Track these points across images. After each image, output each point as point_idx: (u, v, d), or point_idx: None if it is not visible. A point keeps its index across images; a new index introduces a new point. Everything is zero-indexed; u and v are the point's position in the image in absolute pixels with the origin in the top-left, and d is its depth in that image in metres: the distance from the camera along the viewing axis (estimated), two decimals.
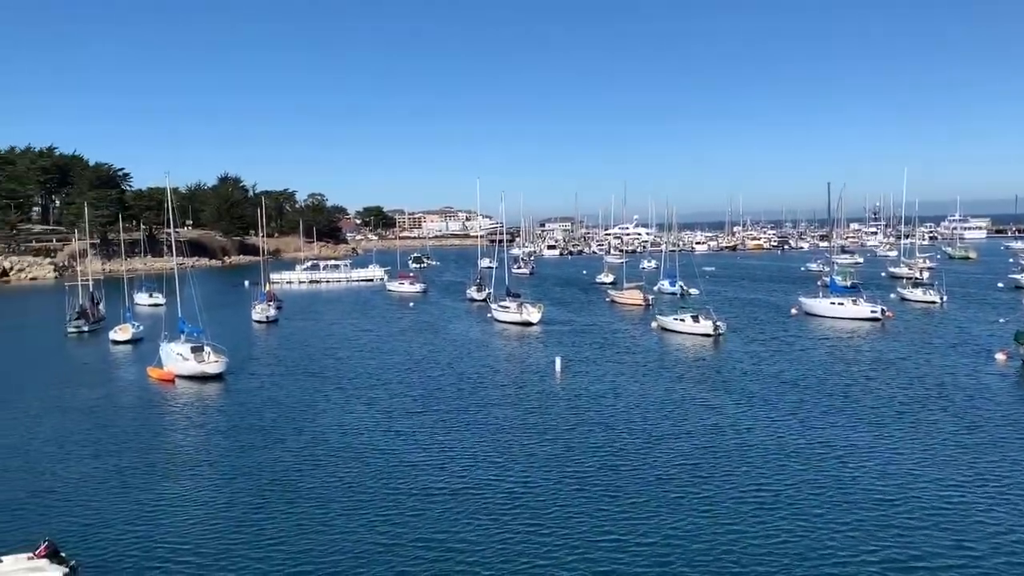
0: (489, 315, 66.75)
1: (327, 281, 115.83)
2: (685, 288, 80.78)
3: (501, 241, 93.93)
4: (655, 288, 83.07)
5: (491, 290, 75.74)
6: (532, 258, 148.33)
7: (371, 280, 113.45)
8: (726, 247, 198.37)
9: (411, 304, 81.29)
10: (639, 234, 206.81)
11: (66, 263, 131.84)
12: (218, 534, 20.67)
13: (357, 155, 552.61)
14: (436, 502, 22.56)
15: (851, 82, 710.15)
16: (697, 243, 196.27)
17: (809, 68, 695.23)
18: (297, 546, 19.71)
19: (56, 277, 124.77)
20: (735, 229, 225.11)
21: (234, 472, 26.01)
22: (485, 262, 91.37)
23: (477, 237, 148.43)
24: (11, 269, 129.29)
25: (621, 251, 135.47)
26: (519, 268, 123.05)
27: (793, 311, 65.52)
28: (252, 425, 32.16)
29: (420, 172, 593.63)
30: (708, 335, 52.79)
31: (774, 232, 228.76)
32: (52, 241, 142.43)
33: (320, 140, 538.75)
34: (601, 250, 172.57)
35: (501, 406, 34.50)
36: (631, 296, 75.79)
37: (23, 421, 33.70)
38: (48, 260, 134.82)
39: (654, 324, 58.64)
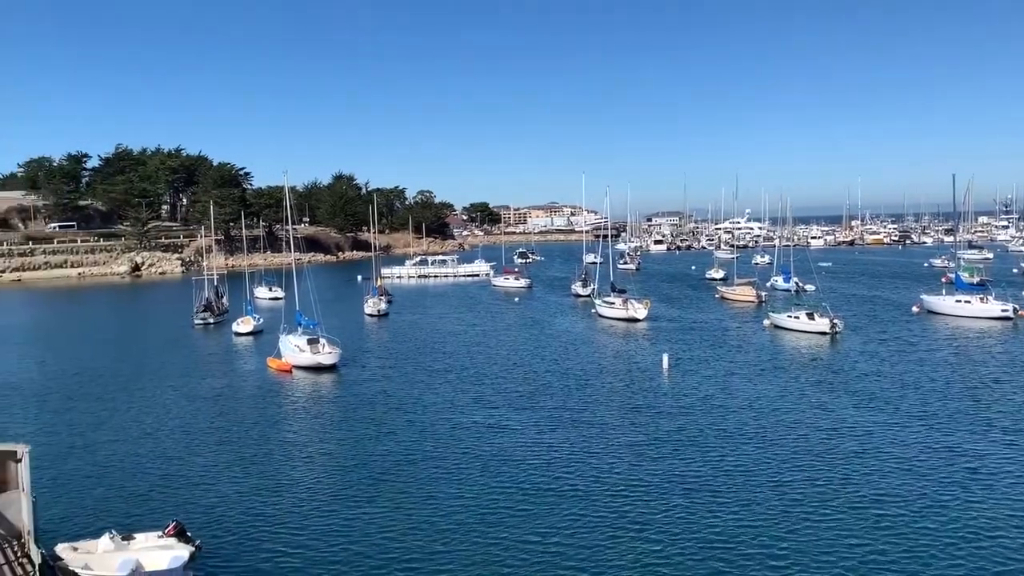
0: (593, 311, 66.41)
1: (435, 276, 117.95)
2: (800, 284, 78.04)
3: (606, 236, 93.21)
4: (767, 284, 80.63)
5: (596, 286, 75.35)
6: (639, 253, 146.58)
7: (477, 275, 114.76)
8: (843, 242, 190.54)
9: (516, 299, 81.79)
10: (751, 228, 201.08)
11: (192, 258, 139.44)
12: (331, 521, 21.33)
13: (465, 152, 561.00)
14: (541, 500, 22.54)
15: (982, 66, 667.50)
16: (813, 238, 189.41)
17: (937, 49, 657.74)
18: (405, 537, 20.10)
19: (183, 271, 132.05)
20: (853, 223, 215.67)
21: (347, 461, 26.80)
22: (590, 257, 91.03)
23: (582, 232, 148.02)
24: (143, 264, 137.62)
25: (732, 246, 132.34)
26: (625, 263, 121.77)
27: (915, 309, 62.28)
28: (364, 416, 33.05)
29: (526, 168, 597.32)
30: (824, 333, 50.80)
31: (895, 226, 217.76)
32: (180, 237, 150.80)
33: (430, 137, 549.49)
34: (711, 245, 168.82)
35: (607, 404, 34.20)
36: (742, 292, 73.82)
37: (155, 408, 35.77)
38: (176, 255, 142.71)
39: (766, 322, 56.88)
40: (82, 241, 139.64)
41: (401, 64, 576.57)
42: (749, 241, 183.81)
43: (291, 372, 43.54)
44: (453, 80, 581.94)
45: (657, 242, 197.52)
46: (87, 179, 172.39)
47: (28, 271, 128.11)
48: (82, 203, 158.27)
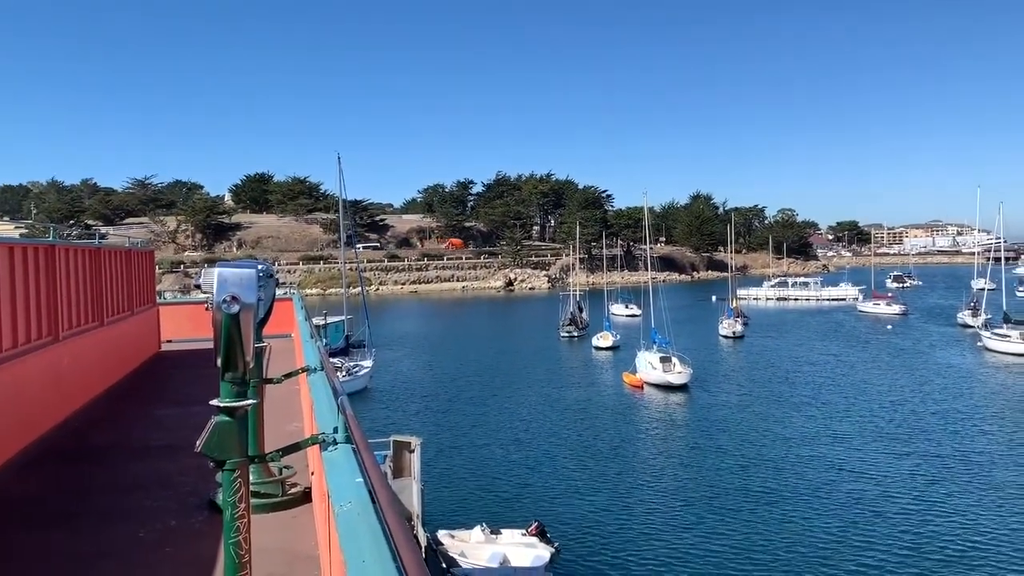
0: (979, 344, 58.29)
1: (795, 299, 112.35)
2: None
3: (999, 259, 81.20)
4: None
5: (987, 315, 65.97)
6: None
7: (843, 299, 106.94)
8: None
9: (888, 327, 74.69)
10: None
11: (557, 275, 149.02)
12: (673, 544, 21.39)
13: (833, 167, 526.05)
14: (904, 547, 20.35)
15: None
16: None
17: None
18: (742, 558, 19.47)
19: (549, 287, 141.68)
20: None
21: (692, 489, 26.63)
22: (980, 283, 79.90)
23: (972, 254, 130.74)
24: (515, 280, 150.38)
25: None
26: None
27: None
28: (711, 443, 32.58)
29: (904, 182, 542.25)
30: None
31: None
32: (547, 256, 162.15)
33: (795, 153, 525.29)
34: None
35: (1006, 455, 29.77)
36: None
37: (523, 413, 38.87)
38: (543, 272, 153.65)
39: None
40: (466, 259, 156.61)
41: (765, 75, 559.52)
42: None
43: (642, 388, 44.49)
44: (816, 90, 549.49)
45: None
46: (472, 203, 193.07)
47: (422, 284, 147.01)
48: (467, 224, 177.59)
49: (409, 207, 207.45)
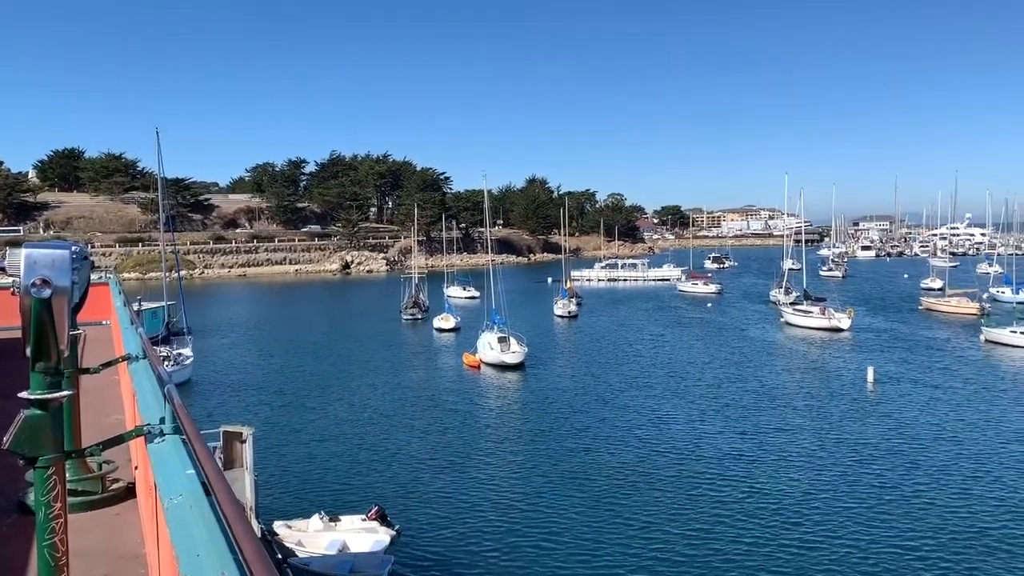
0: (782, 319, 63.71)
1: (624, 280, 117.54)
2: None
3: (800, 241, 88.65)
4: (985, 295, 73.11)
5: (797, 293, 72.08)
6: (844, 260, 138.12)
7: (667, 280, 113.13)
8: None
9: (708, 305, 79.82)
10: (971, 235, 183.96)
11: (396, 258, 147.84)
12: (518, 512, 21.97)
13: (657, 155, 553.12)
14: (729, 509, 21.96)
15: None
16: None
17: None
18: (586, 530, 20.34)
19: (387, 270, 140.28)
20: None
21: (526, 459, 27.42)
22: (789, 263, 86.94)
23: (781, 237, 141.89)
24: (352, 263, 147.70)
25: (952, 254, 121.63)
26: (829, 270, 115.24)
27: None
28: (543, 419, 33.62)
29: (721, 169, 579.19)
30: None
31: None
32: (385, 238, 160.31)
33: (622, 140, 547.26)
34: (925, 252, 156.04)
35: (804, 417, 32.67)
36: (958, 304, 67.68)
37: (363, 399, 38.37)
38: (381, 255, 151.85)
39: (982, 337, 51.84)
40: (299, 240, 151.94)
41: (595, 68, 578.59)
42: (969, 248, 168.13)
43: (479, 368, 45.19)
44: (646, 82, 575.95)
45: (864, 248, 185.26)
46: (304, 183, 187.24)
47: (252, 267, 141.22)
48: (300, 205, 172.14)
49: (237, 186, 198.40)
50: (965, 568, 18.23)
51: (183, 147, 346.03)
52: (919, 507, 22.09)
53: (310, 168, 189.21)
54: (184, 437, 3.97)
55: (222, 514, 2.70)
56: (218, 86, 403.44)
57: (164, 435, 4.07)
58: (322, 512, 19.67)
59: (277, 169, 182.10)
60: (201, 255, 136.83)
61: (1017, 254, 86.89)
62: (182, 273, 59.45)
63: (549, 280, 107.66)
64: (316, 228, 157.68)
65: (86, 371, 6.45)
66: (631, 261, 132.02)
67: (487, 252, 63.29)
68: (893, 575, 17.96)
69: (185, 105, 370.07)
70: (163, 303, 50.30)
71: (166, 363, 39.29)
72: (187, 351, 42.83)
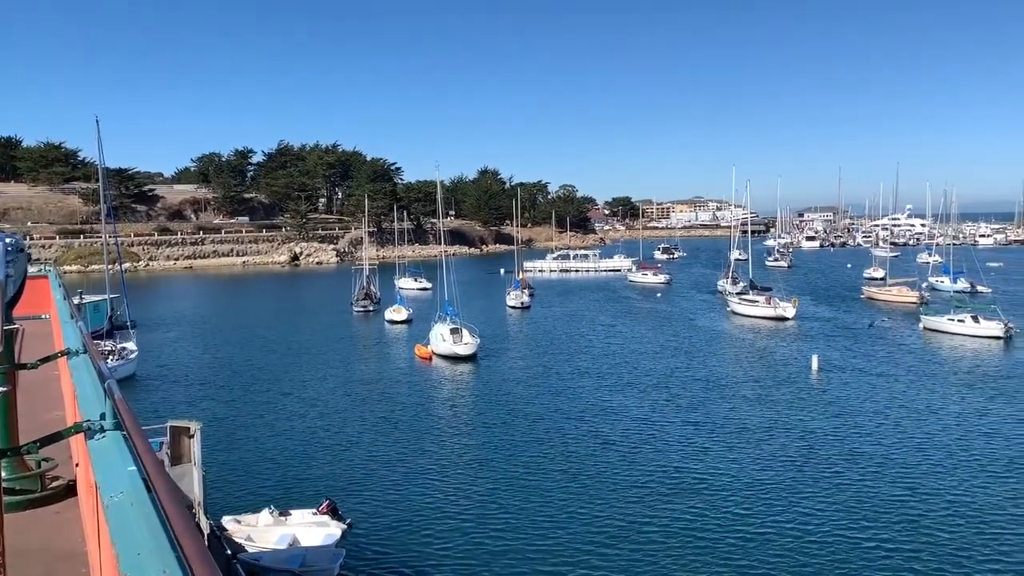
0: (728, 309, 64.82)
1: (576, 270, 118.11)
2: (974, 285, 72.31)
3: (747, 232, 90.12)
4: (924, 284, 75.33)
5: (744, 283, 73.37)
6: (790, 250, 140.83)
7: (619, 270, 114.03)
8: (1016, 241, 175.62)
9: (658, 295, 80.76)
10: (912, 225, 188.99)
11: (346, 249, 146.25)
12: (470, 502, 22.01)
13: (609, 146, 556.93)
14: (681, 498, 22.31)
15: None
16: (981, 236, 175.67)
17: None
18: (538, 521, 20.48)
19: (338, 262, 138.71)
20: None
21: (477, 451, 27.48)
22: (736, 254, 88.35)
23: (729, 228, 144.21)
24: (301, 254, 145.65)
25: (893, 244, 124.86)
26: (775, 260, 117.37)
27: None
28: (494, 411, 33.69)
29: (671, 162, 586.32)
30: (996, 338, 47.23)
31: None
32: (335, 229, 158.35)
33: (574, 132, 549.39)
34: (867, 242, 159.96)
35: (753, 402, 33.34)
36: (899, 293, 69.65)
37: (314, 393, 37.95)
38: (331, 246, 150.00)
39: (921, 325, 53.42)
40: (247, 232, 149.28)
41: (545, 60, 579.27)
42: (910, 239, 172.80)
43: (431, 359, 45.03)
44: (597, 74, 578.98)
45: (809, 239, 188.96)
46: (252, 173, 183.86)
47: (198, 259, 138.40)
48: (247, 196, 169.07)
49: (182, 176, 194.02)
50: (908, 550, 18.81)
51: (126, 137, 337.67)
52: (864, 493, 22.70)
53: (258, 158, 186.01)
54: (125, 433, 3.88)
55: (163, 512, 2.66)
56: (162, 75, 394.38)
57: (105, 431, 3.97)
58: (272, 506, 19.44)
59: (224, 159, 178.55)
60: (146, 247, 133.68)
61: (955, 244, 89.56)
62: (126, 266, 57.90)
63: (501, 271, 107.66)
64: (244, 220, 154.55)
65: (23, 367, 6.26)
66: (583, 252, 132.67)
67: (439, 243, 62.93)
68: (840, 560, 18.45)
69: (128, 94, 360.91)
70: (106, 296, 49.02)
71: (110, 358, 38.40)
72: (131, 345, 41.89)
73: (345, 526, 18.76)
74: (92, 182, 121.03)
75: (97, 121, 45.86)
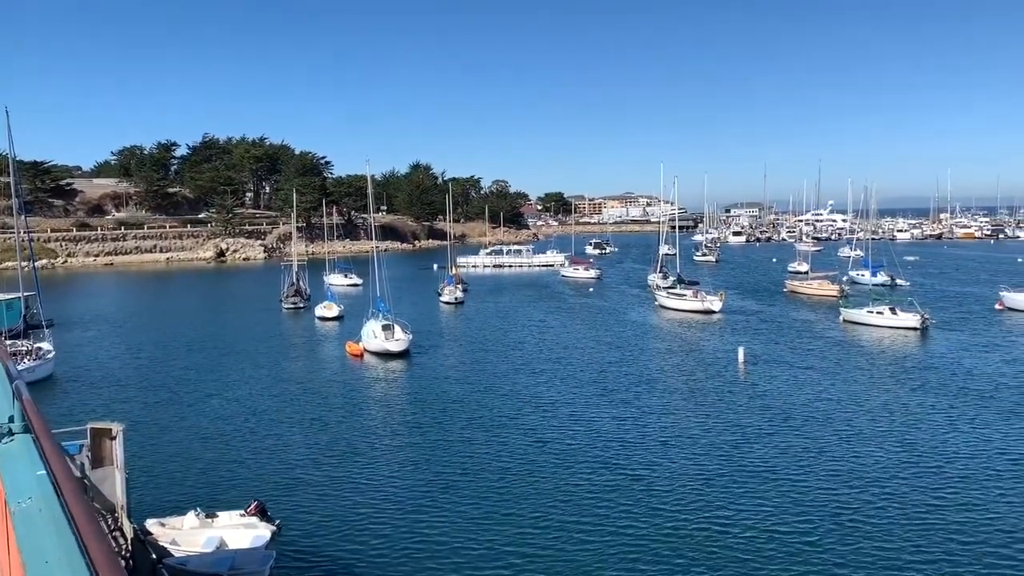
0: (656, 303, 65.98)
1: (509, 266, 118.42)
2: (893, 278, 75.12)
3: (675, 227, 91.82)
4: (845, 278, 77.99)
5: (674, 278, 74.73)
6: (717, 245, 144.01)
7: (552, 265, 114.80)
8: (931, 236, 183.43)
9: (590, 290, 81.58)
10: (834, 221, 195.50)
11: (274, 245, 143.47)
12: (403, 503, 21.85)
13: (541, 142, 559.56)
14: (616, 495, 22.59)
15: None
16: (898, 231, 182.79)
17: None
18: (471, 522, 20.46)
19: (265, 258, 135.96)
20: (942, 216, 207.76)
21: (408, 448, 27.33)
22: (665, 248, 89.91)
23: (658, 223, 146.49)
24: (227, 250, 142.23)
25: (815, 239, 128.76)
26: (703, 255, 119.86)
27: (998, 306, 59.68)
28: (426, 408, 33.54)
29: (602, 158, 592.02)
30: (913, 329, 49.24)
31: (987, 220, 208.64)
32: (262, 225, 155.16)
33: (506, 127, 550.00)
34: (791, 237, 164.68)
35: (684, 395, 33.99)
36: (821, 286, 71.95)
37: (242, 392, 37.11)
38: (259, 242, 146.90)
39: (841, 318, 55.29)
40: (170, 227, 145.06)
41: (477, 55, 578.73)
42: (832, 234, 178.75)
43: (362, 356, 44.54)
44: (531, 72, 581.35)
45: (736, 234, 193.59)
46: (176, 167, 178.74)
47: (120, 255, 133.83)
48: (171, 190, 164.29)
49: (102, 170, 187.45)
50: (837, 540, 19.45)
51: (41, 128, 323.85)
52: (795, 485, 23.38)
53: (182, 151, 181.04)
54: (34, 436, 3.70)
55: (71, 518, 2.54)
56: (80, 64, 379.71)
57: (13, 435, 3.78)
58: (198, 509, 18.93)
59: (146, 152, 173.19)
60: (64, 243, 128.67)
61: (874, 239, 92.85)
62: (43, 263, 55.53)
63: (434, 267, 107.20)
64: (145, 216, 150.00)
65: None
66: (516, 247, 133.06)
67: (371, 238, 62.30)
68: (770, 554, 18.95)
69: (43, 84, 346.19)
70: (19, 294, 47.02)
71: (26, 358, 36.91)
72: (47, 345, 40.29)
73: (275, 527, 18.40)
74: (3, 175, 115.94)
75: (7, 112, 43.80)
